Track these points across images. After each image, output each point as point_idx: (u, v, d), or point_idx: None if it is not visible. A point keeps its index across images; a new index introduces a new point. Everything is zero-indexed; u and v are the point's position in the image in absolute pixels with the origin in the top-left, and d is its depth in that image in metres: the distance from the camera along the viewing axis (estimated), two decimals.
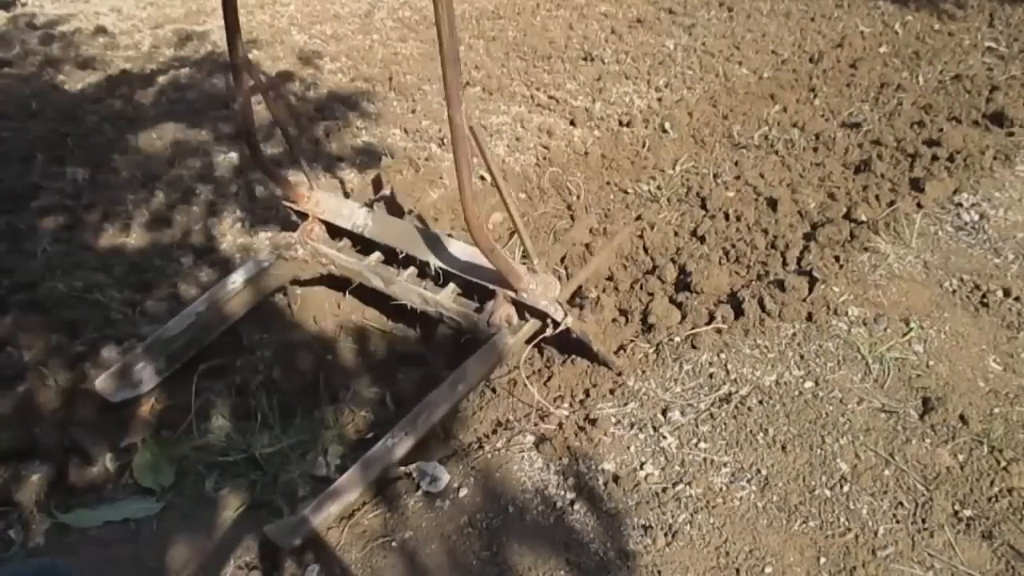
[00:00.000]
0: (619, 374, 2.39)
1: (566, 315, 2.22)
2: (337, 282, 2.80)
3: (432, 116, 4.36)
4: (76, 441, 2.18)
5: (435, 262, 2.38)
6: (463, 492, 2.00)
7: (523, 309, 2.27)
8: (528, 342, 2.33)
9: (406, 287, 2.48)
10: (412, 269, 2.53)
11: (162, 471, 2.14)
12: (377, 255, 2.62)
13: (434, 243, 2.40)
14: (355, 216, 2.59)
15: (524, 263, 2.22)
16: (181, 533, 1.96)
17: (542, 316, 2.25)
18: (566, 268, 3.11)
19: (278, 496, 2.06)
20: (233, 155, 3.82)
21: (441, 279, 2.44)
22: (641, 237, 3.17)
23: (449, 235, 2.46)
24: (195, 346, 2.48)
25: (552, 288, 2.18)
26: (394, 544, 1.87)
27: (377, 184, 3.26)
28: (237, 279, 2.60)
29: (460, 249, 2.39)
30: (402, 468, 2.06)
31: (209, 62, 4.91)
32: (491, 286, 2.25)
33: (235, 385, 2.51)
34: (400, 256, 2.50)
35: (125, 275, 2.93)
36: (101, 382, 2.27)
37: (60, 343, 2.53)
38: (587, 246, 3.19)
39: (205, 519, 2.00)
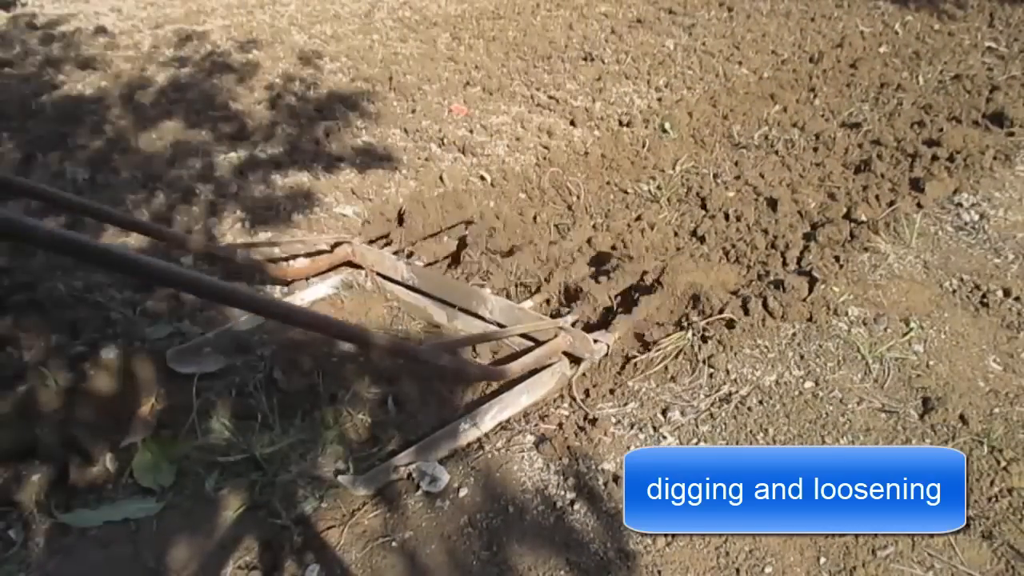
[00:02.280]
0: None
1: (607, 347, 2.49)
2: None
3: (432, 116, 4.36)
4: (76, 441, 2.17)
5: (488, 315, 2.66)
6: (463, 492, 2.00)
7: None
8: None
9: (469, 322, 2.72)
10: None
11: (162, 471, 2.14)
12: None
13: (481, 299, 2.67)
14: (400, 269, 2.85)
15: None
16: (181, 533, 1.96)
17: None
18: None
19: (277, 496, 2.06)
20: (233, 155, 3.83)
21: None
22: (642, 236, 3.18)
23: (492, 292, 2.71)
24: (259, 345, 2.58)
25: (587, 341, 2.43)
26: (394, 544, 1.87)
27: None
28: (306, 297, 2.82)
29: (503, 305, 2.63)
30: (402, 468, 2.06)
31: (209, 62, 4.91)
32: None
33: (235, 385, 2.51)
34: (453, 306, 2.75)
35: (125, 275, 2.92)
36: (171, 354, 2.41)
37: (60, 343, 2.53)
38: (588, 241, 3.18)
39: (205, 519, 2.00)
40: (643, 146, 3.97)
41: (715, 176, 3.67)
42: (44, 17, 5.64)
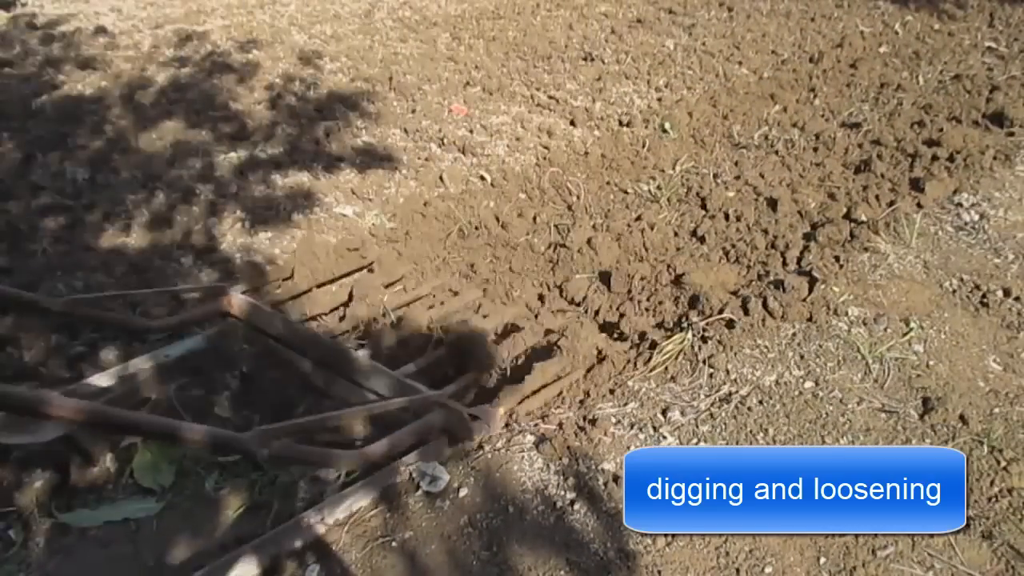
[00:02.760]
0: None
1: (485, 429, 2.22)
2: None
3: (432, 116, 4.36)
4: (76, 441, 2.17)
5: (362, 381, 2.39)
6: (463, 492, 2.00)
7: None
8: None
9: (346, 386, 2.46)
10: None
11: (162, 471, 2.14)
12: None
13: (353, 363, 2.40)
14: (276, 324, 2.54)
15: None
16: (181, 533, 1.96)
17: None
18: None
19: (277, 496, 2.06)
20: (233, 155, 3.83)
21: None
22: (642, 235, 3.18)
23: (367, 354, 2.49)
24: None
25: (465, 424, 2.17)
26: (394, 544, 1.87)
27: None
28: (173, 353, 2.46)
29: (376, 370, 2.36)
30: (402, 468, 2.06)
31: (209, 62, 4.91)
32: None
33: (235, 385, 2.51)
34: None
35: (125, 275, 2.92)
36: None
37: (60, 343, 2.53)
38: (588, 241, 3.18)
39: (205, 519, 2.00)
40: (643, 146, 3.97)
41: (715, 176, 3.67)
42: (44, 17, 5.64)
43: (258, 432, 1.70)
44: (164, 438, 1.90)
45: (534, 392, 2.38)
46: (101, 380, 2.29)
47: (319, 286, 2.93)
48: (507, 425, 2.26)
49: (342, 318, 2.83)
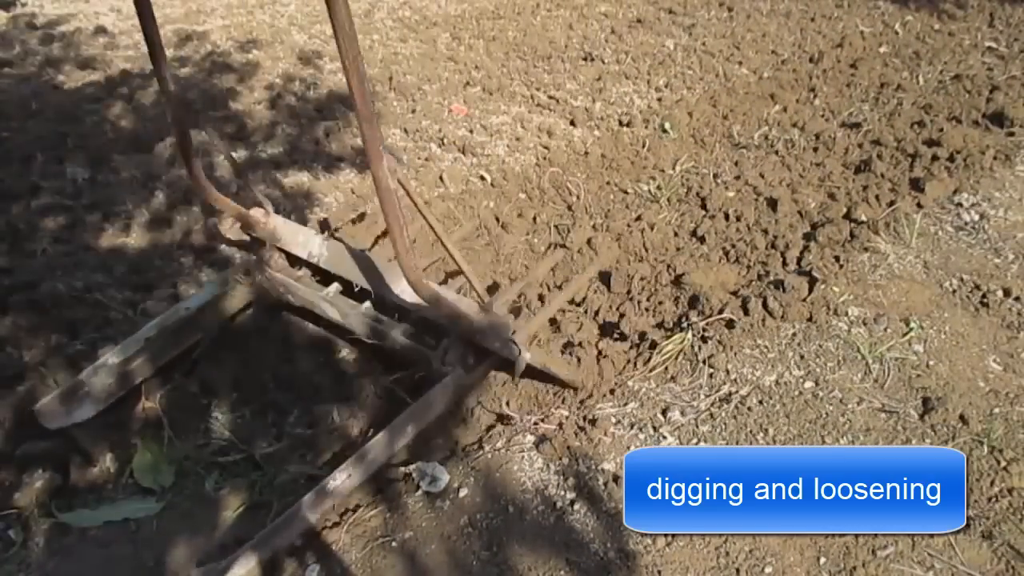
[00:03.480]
0: (577, 390, 2.34)
1: (520, 353, 2.09)
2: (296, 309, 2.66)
3: (432, 116, 4.36)
4: (76, 441, 2.18)
5: (390, 298, 2.26)
6: (463, 492, 2.00)
7: (478, 348, 2.19)
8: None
9: (362, 320, 2.37)
10: (368, 303, 2.40)
11: (162, 471, 2.14)
12: (336, 286, 2.48)
13: (392, 277, 2.26)
14: (310, 244, 2.45)
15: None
16: (181, 533, 1.96)
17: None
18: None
19: (277, 496, 2.07)
20: (233, 155, 3.82)
21: (396, 315, 2.36)
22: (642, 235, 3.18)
23: None
24: (142, 373, 2.36)
25: (505, 329, 2.06)
26: (394, 544, 1.87)
27: (324, 227, 2.87)
28: (191, 304, 2.49)
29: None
30: (402, 468, 2.06)
31: (209, 62, 4.91)
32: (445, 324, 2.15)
33: (235, 385, 2.51)
34: (356, 289, 2.39)
35: (125, 275, 2.92)
36: (41, 408, 2.17)
37: (60, 343, 2.53)
38: (588, 241, 3.18)
39: (205, 519, 2.01)
40: (643, 146, 3.97)
41: (715, 176, 3.67)
42: (44, 17, 5.64)
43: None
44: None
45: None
46: (129, 346, 2.33)
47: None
48: (507, 420, 2.25)
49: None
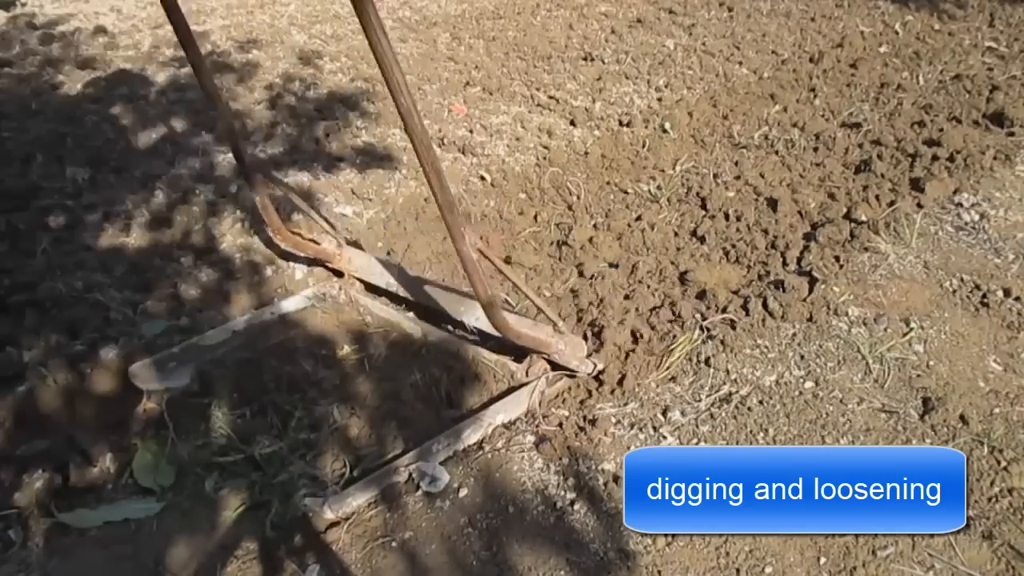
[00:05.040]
0: (599, 375, 2.45)
1: (595, 366, 2.41)
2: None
3: (432, 116, 4.36)
4: (76, 441, 2.18)
5: (472, 324, 2.51)
6: (463, 492, 2.00)
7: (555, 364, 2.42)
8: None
9: (447, 337, 2.60)
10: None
11: (162, 471, 2.14)
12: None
13: (469, 306, 2.52)
14: (387, 275, 2.73)
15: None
16: (181, 533, 1.96)
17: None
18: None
19: (277, 496, 2.06)
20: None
21: (479, 337, 2.55)
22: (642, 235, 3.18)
23: None
24: (224, 362, 2.52)
25: (580, 348, 2.36)
26: (394, 544, 1.87)
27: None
28: (278, 310, 2.74)
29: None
30: (402, 468, 2.06)
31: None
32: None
33: (235, 385, 2.50)
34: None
35: (125, 275, 2.92)
36: (135, 369, 2.37)
37: (60, 343, 2.53)
38: (589, 241, 3.18)
39: (205, 519, 2.00)
40: (643, 146, 3.97)
41: (715, 176, 3.67)
42: (44, 17, 5.64)
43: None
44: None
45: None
46: (208, 339, 2.56)
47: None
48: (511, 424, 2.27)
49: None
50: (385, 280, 2.73)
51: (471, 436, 2.17)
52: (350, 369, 2.56)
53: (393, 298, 2.80)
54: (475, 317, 2.48)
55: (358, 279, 2.84)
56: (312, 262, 3.00)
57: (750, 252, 2.99)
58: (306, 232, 2.82)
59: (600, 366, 2.41)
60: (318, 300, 2.82)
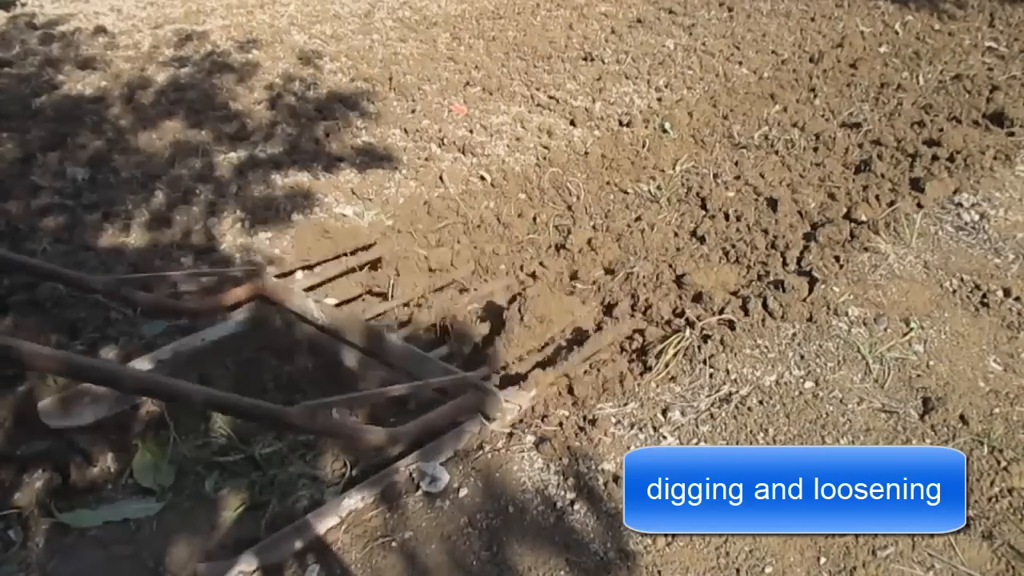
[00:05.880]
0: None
1: (517, 407, 2.28)
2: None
3: (432, 116, 4.36)
4: (76, 441, 2.17)
5: (394, 363, 2.43)
6: (463, 492, 2.00)
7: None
8: None
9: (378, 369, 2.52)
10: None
11: (162, 471, 2.14)
12: None
13: (387, 345, 2.44)
14: (310, 307, 2.61)
15: None
16: (181, 533, 1.96)
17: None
18: None
19: (277, 496, 2.06)
20: (233, 155, 3.82)
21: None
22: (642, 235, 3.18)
23: (399, 337, 2.51)
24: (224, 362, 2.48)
25: (498, 403, 2.21)
26: (394, 544, 1.87)
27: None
28: (207, 337, 2.53)
29: (408, 353, 2.41)
30: (402, 468, 2.06)
31: (209, 62, 4.91)
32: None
33: (234, 385, 2.50)
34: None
35: (125, 275, 2.92)
36: (44, 406, 2.21)
37: (60, 343, 2.52)
38: (589, 241, 3.18)
39: (205, 519, 2.00)
40: (643, 146, 3.97)
41: (715, 176, 3.67)
42: (44, 17, 5.64)
43: (304, 407, 1.78)
44: (214, 407, 1.98)
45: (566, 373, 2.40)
46: (142, 364, 2.38)
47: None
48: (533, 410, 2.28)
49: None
50: (309, 312, 2.61)
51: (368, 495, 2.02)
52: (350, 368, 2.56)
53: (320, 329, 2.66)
54: (394, 358, 2.43)
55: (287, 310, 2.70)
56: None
57: (750, 252, 2.99)
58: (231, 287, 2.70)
59: (523, 404, 2.27)
60: (252, 325, 2.66)
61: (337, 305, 2.78)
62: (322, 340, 2.61)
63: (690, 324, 2.54)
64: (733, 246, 3.04)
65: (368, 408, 2.37)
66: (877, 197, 3.22)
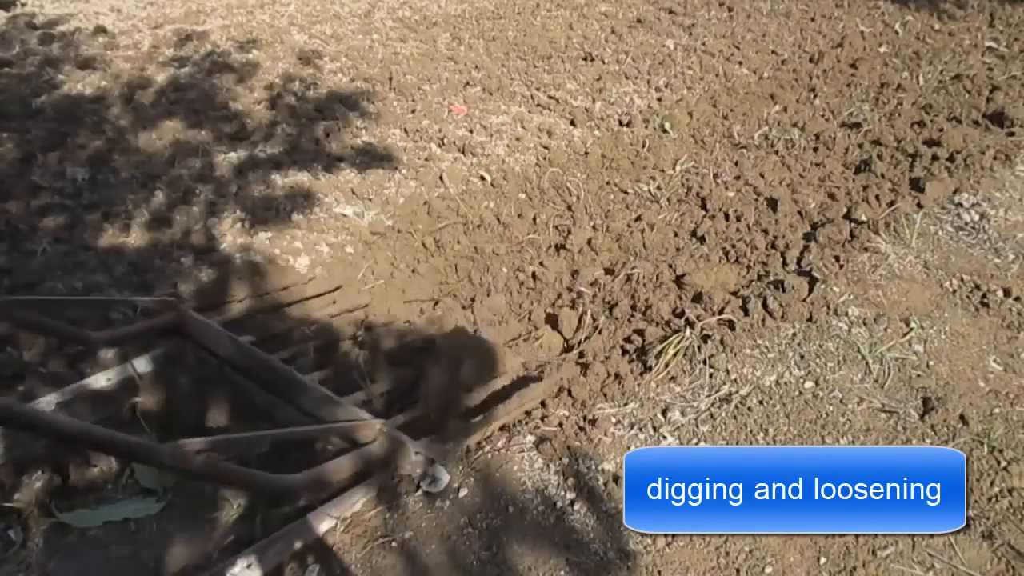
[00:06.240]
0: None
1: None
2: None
3: (432, 116, 4.36)
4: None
5: (305, 406, 2.26)
6: (463, 492, 2.00)
7: None
8: None
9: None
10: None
11: (163, 471, 2.14)
12: None
13: (298, 387, 2.26)
14: (223, 345, 2.41)
15: None
16: (181, 533, 1.96)
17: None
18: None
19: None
20: (233, 155, 3.83)
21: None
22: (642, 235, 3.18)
23: (314, 379, 2.34)
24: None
25: (407, 455, 2.02)
26: (394, 544, 1.88)
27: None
28: (100, 381, 2.32)
29: (319, 396, 2.23)
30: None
31: (209, 62, 4.91)
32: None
33: (234, 385, 2.50)
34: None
35: (125, 275, 2.92)
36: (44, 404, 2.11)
37: (60, 343, 2.52)
38: (589, 241, 3.19)
39: (205, 519, 2.01)
40: (643, 146, 3.97)
41: (715, 176, 3.67)
42: (44, 17, 5.64)
43: (175, 445, 1.59)
44: (75, 443, 1.79)
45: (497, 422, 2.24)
46: (51, 398, 2.20)
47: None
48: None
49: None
50: (223, 351, 2.41)
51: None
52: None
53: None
54: (304, 401, 2.25)
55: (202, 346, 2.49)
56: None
57: (750, 252, 2.98)
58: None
59: (440, 458, 2.06)
60: (166, 363, 2.45)
61: (253, 343, 2.51)
62: (236, 378, 2.40)
63: (690, 324, 2.54)
64: (733, 246, 3.04)
65: (277, 451, 2.15)
66: (877, 197, 3.22)
